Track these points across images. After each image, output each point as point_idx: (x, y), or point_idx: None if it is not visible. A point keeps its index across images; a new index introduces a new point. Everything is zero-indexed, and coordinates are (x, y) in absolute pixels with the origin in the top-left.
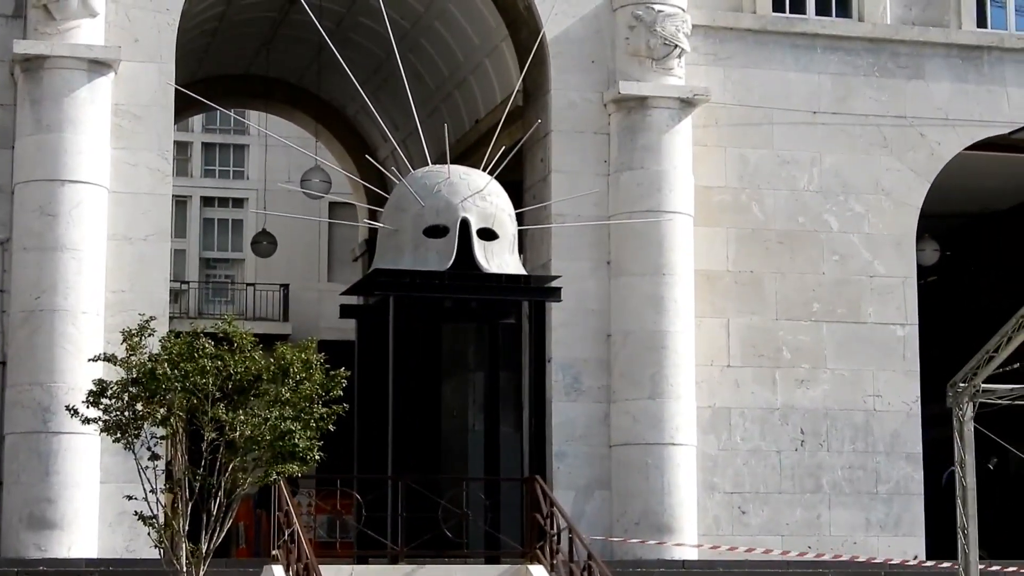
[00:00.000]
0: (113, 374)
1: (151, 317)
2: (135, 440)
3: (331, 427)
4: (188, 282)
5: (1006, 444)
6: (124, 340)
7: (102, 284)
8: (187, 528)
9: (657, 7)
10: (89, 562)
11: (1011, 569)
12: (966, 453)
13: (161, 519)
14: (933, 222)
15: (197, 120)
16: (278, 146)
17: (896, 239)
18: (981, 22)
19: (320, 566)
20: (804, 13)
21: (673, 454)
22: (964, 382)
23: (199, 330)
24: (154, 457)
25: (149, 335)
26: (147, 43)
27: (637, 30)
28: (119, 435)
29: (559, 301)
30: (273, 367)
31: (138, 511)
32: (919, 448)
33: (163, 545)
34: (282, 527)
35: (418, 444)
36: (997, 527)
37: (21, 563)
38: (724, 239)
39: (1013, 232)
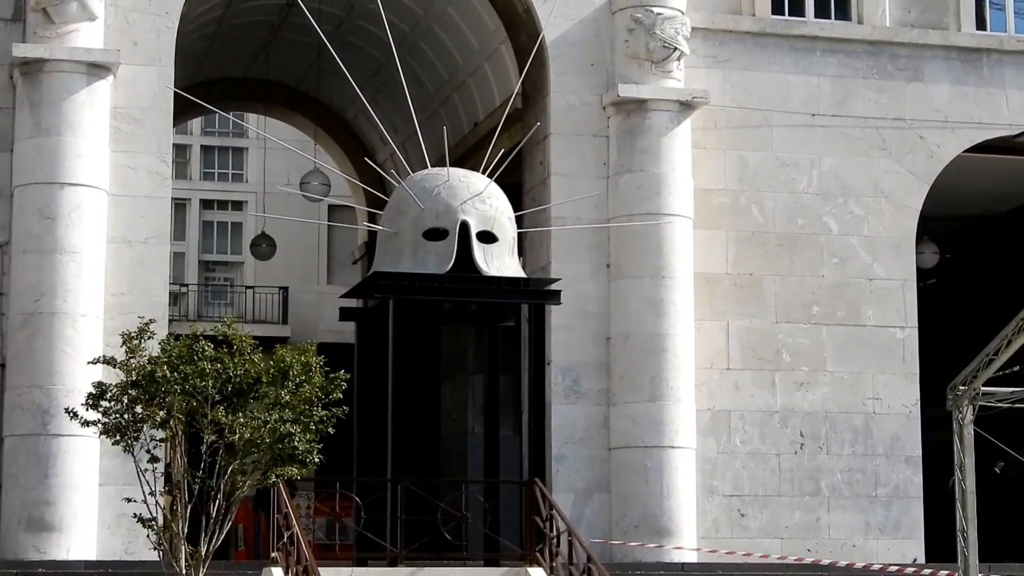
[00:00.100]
0: (112, 377)
1: (151, 320)
2: (134, 443)
3: (331, 430)
4: (187, 285)
5: (1006, 448)
6: (124, 343)
7: (101, 287)
8: (186, 530)
9: (656, 10)
10: (88, 564)
11: None
12: (965, 456)
13: (160, 521)
14: (932, 224)
15: (196, 123)
16: (277, 149)
17: (896, 241)
18: (980, 24)
19: (319, 568)
20: (803, 16)
21: (672, 457)
22: (964, 385)
23: (199, 333)
24: (153, 459)
25: (149, 338)
26: (146, 46)
27: (636, 33)
28: (118, 438)
29: (559, 304)
30: (273, 370)
31: (137, 513)
32: (919, 451)
33: (162, 547)
34: (281, 529)
35: (417, 447)
36: (1002, 531)
37: (20, 565)
38: (724, 242)
39: (1013, 234)
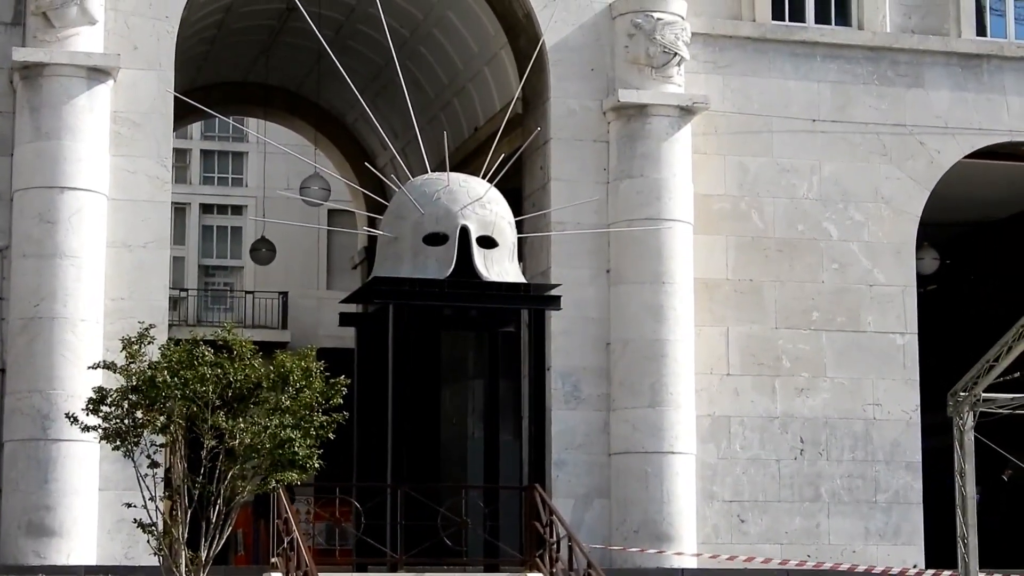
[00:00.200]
0: (112, 382)
1: (151, 325)
2: (134, 448)
3: (331, 435)
4: (187, 289)
5: (1007, 454)
6: (124, 348)
7: (101, 291)
8: (186, 535)
9: (656, 15)
10: (88, 569)
11: None
12: (966, 462)
13: (160, 526)
14: (933, 230)
15: (196, 127)
16: (277, 153)
17: (896, 247)
18: (980, 31)
19: (319, 574)
20: (803, 21)
21: (672, 463)
22: (964, 391)
23: (199, 338)
24: (153, 465)
25: (149, 343)
26: (146, 51)
27: (636, 38)
28: (119, 443)
29: (559, 309)
30: (273, 375)
31: (137, 518)
32: (919, 457)
33: (162, 552)
34: (281, 535)
35: (417, 452)
36: (1002, 536)
37: (20, 570)
38: (723, 247)
39: (1013, 240)
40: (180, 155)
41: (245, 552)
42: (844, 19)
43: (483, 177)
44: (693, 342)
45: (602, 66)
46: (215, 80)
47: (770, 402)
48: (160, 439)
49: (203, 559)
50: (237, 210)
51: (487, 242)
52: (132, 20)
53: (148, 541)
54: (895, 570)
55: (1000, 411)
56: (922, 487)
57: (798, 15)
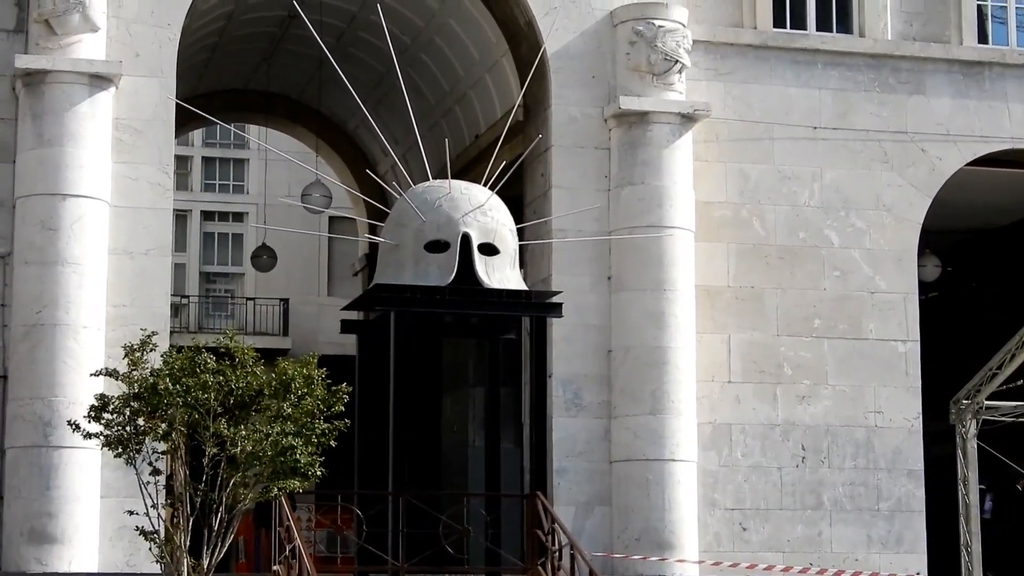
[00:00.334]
0: (114, 389)
1: (153, 332)
2: (136, 455)
3: (332, 443)
4: (188, 296)
5: (1008, 461)
6: (126, 355)
7: (103, 298)
8: (188, 543)
9: (658, 22)
10: None
11: None
12: (969, 470)
13: (162, 534)
14: (934, 238)
15: (197, 134)
16: (278, 160)
17: (897, 255)
18: (982, 38)
19: None
20: (805, 29)
21: (674, 470)
22: (967, 399)
23: (201, 345)
24: (155, 472)
25: (151, 350)
26: (148, 58)
27: (638, 45)
28: (120, 450)
29: (560, 316)
30: (275, 382)
31: (139, 526)
32: (921, 465)
33: (164, 560)
34: (283, 542)
35: (418, 459)
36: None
37: None
38: (725, 254)
39: (1014, 248)
40: (181, 162)
41: (246, 560)
42: (845, 27)
43: (484, 184)
44: (694, 349)
45: (603, 73)
46: (216, 87)
47: (771, 410)
48: (162, 446)
49: (205, 567)
50: (238, 217)
51: (488, 249)
52: (134, 27)
53: (150, 548)
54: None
55: (1003, 419)
56: (924, 495)
57: (799, 23)
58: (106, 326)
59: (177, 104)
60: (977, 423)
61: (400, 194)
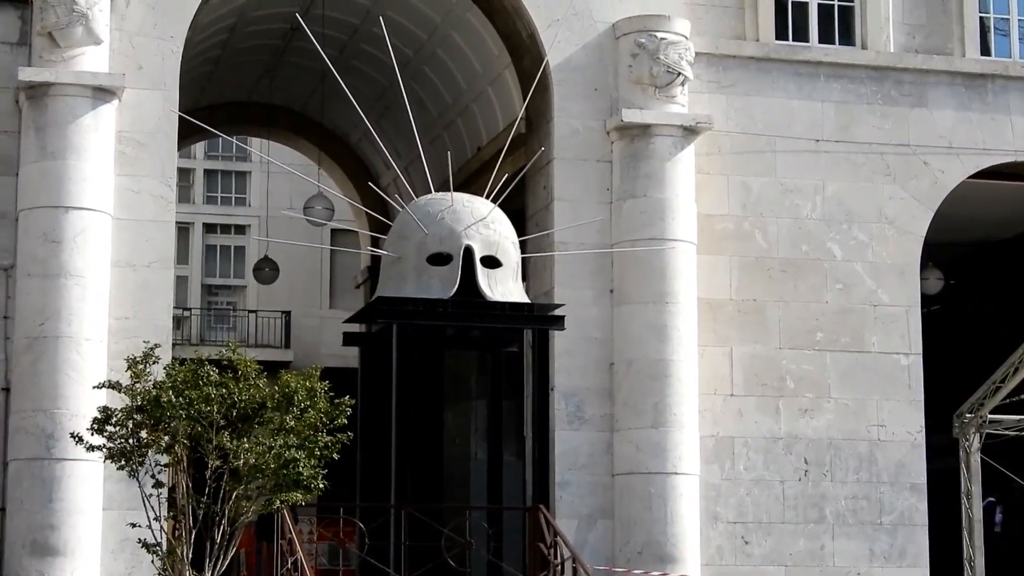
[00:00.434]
0: (117, 401)
1: (156, 344)
2: (139, 467)
3: (335, 455)
4: (190, 309)
5: (1012, 475)
6: (129, 367)
7: (106, 311)
8: (190, 556)
9: (660, 35)
10: None
11: None
12: (972, 484)
13: (164, 546)
14: (937, 250)
15: (199, 147)
16: (280, 173)
17: (900, 268)
18: (985, 50)
19: None
20: (807, 41)
21: (676, 483)
22: (971, 412)
23: (204, 357)
24: (158, 484)
25: (154, 362)
26: (151, 70)
27: (640, 58)
28: (123, 462)
29: (562, 329)
30: (277, 395)
31: (141, 538)
32: (923, 478)
33: (166, 573)
34: (285, 555)
35: (420, 472)
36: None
37: None
38: (727, 267)
39: (1016, 261)
40: (183, 175)
41: (248, 572)
42: (848, 39)
43: (487, 197)
44: (697, 362)
45: (606, 86)
46: (219, 100)
47: (774, 423)
48: (165, 459)
49: None
50: (240, 230)
51: (491, 262)
52: (137, 40)
53: (152, 561)
54: None
55: (1007, 432)
56: (927, 508)
57: (801, 35)
58: (108, 338)
59: (180, 116)
60: (980, 437)
61: (402, 207)
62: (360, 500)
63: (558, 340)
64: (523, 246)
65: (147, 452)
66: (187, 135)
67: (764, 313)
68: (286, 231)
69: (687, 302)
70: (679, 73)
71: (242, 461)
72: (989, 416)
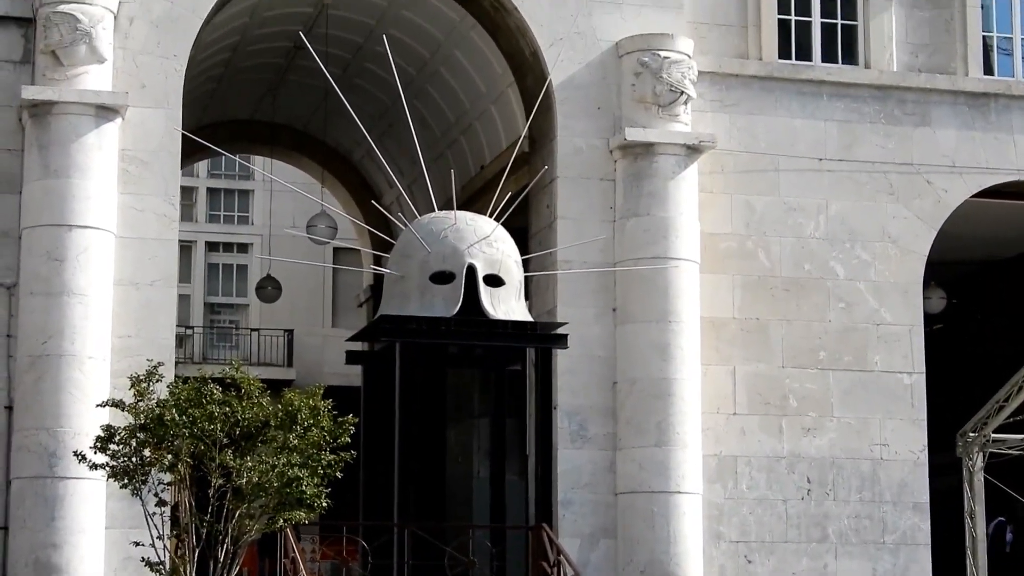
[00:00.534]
0: (119, 419)
1: (159, 363)
2: (142, 486)
3: (338, 474)
4: (193, 327)
5: (1016, 495)
6: (132, 385)
7: (108, 329)
8: (194, 574)
9: (663, 54)
10: None
11: None
12: (975, 504)
13: (168, 565)
14: (940, 269)
15: (202, 165)
16: (283, 191)
17: (903, 287)
18: (988, 69)
19: None
20: (810, 60)
21: (679, 502)
22: (974, 432)
23: (207, 376)
24: (161, 503)
25: (157, 380)
26: (154, 89)
27: (643, 77)
28: (126, 481)
29: (565, 348)
30: (281, 413)
31: (144, 557)
32: (926, 497)
33: None
34: (288, 574)
35: (423, 490)
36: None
37: None
38: (730, 286)
39: (1019, 280)
40: (186, 193)
41: None
42: (851, 58)
43: (490, 215)
44: (699, 381)
45: (609, 105)
46: (222, 118)
47: (777, 442)
48: (168, 477)
49: None
50: (243, 248)
51: (494, 280)
52: (140, 59)
53: None
54: None
55: (1010, 452)
56: (930, 528)
57: (805, 54)
58: (111, 357)
59: (183, 135)
60: (984, 456)
61: (406, 225)
62: (363, 518)
63: (561, 359)
64: (526, 264)
65: (150, 470)
66: (190, 153)
67: (767, 332)
68: (288, 249)
69: (690, 321)
70: (682, 92)
71: (245, 479)
72: (992, 435)
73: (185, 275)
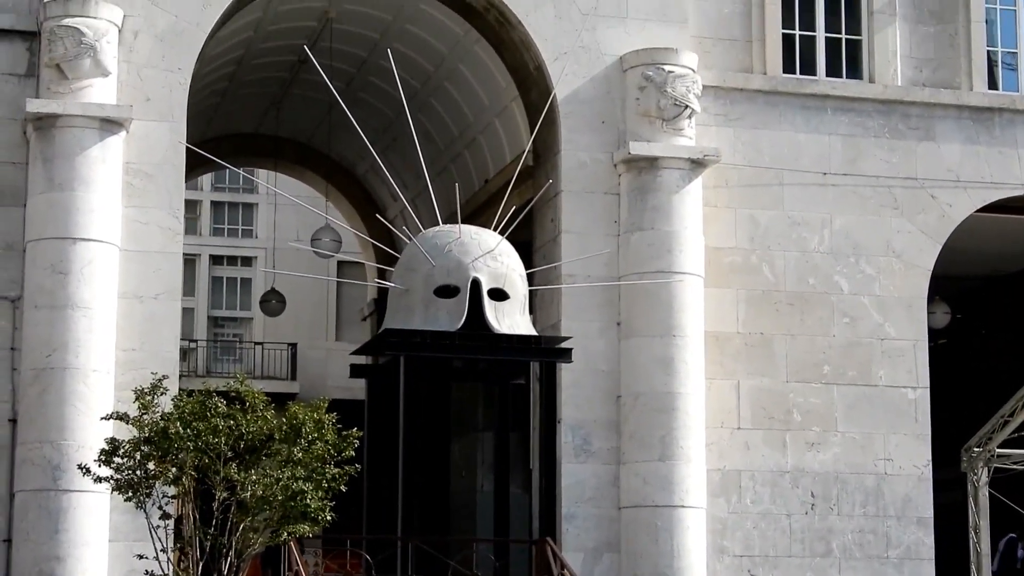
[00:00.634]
0: (123, 432)
1: (164, 376)
2: (146, 499)
3: (343, 487)
4: (196, 340)
5: (1021, 510)
6: (137, 398)
7: (112, 342)
8: None
9: (667, 68)
10: None
11: None
12: (980, 519)
13: None
14: (944, 284)
15: (206, 179)
16: (287, 205)
17: (907, 301)
18: (992, 84)
19: None
20: (814, 74)
21: (683, 517)
22: (979, 447)
23: (212, 389)
24: (165, 516)
25: (162, 394)
26: (159, 102)
27: (647, 91)
28: (131, 494)
29: (570, 362)
30: (285, 427)
31: (148, 570)
32: (930, 512)
33: None
34: None
35: (427, 504)
36: None
37: None
38: (734, 300)
39: (1023, 295)
40: (190, 206)
41: None
42: (855, 72)
43: (494, 229)
44: (704, 395)
45: (613, 119)
46: (226, 131)
47: (781, 456)
48: (172, 490)
49: None
50: (247, 261)
51: (498, 294)
52: (145, 72)
53: None
54: None
55: (1015, 467)
56: (934, 543)
57: (809, 68)
58: (115, 370)
59: (187, 148)
60: (989, 471)
61: (410, 239)
62: (367, 532)
63: (565, 372)
64: (530, 278)
65: (154, 483)
66: (194, 167)
67: (771, 346)
68: (292, 263)
69: (694, 335)
70: (686, 106)
71: (249, 493)
72: (997, 450)
73: (189, 288)
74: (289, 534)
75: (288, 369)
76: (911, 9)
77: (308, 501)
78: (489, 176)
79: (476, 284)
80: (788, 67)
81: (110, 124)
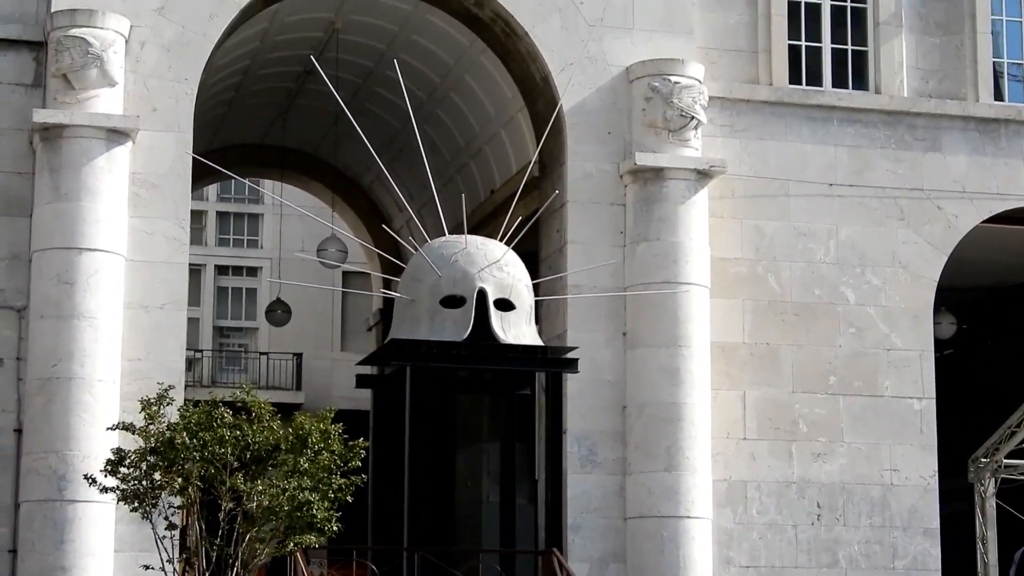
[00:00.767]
0: (129, 443)
1: (169, 386)
2: (152, 509)
3: (349, 498)
4: (202, 350)
5: None
6: (143, 408)
7: (118, 352)
8: None
9: (674, 79)
10: None
11: None
12: (987, 529)
13: None
14: (950, 295)
15: (212, 189)
16: (292, 215)
17: (913, 312)
18: (998, 95)
19: None
20: (821, 85)
21: (689, 527)
22: (986, 457)
23: (218, 399)
24: (171, 526)
25: (168, 404)
26: (165, 112)
27: (654, 101)
28: (136, 504)
29: (575, 372)
30: (291, 437)
31: None
32: (937, 523)
33: None
34: None
35: (433, 515)
36: None
37: None
38: (740, 311)
39: None
40: (196, 216)
41: None
42: (861, 83)
43: (500, 240)
44: (710, 406)
45: (619, 129)
46: (232, 142)
47: (787, 467)
48: (178, 501)
49: None
50: (252, 272)
51: (504, 305)
52: (151, 82)
53: None
54: None
55: (1022, 477)
56: (940, 554)
57: (815, 79)
58: (121, 380)
59: (193, 158)
60: (996, 481)
61: (416, 249)
62: (372, 542)
63: (571, 383)
64: (536, 289)
65: (160, 494)
66: (200, 177)
67: (777, 357)
68: (298, 273)
69: (700, 345)
70: (692, 117)
71: (255, 503)
72: (1004, 461)
73: (194, 298)
74: (295, 544)
75: (293, 379)
76: (917, 20)
77: (314, 511)
78: (495, 187)
79: (482, 294)
80: (794, 78)
81: (116, 134)
